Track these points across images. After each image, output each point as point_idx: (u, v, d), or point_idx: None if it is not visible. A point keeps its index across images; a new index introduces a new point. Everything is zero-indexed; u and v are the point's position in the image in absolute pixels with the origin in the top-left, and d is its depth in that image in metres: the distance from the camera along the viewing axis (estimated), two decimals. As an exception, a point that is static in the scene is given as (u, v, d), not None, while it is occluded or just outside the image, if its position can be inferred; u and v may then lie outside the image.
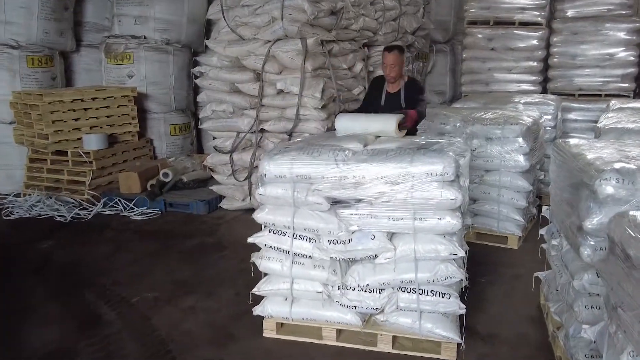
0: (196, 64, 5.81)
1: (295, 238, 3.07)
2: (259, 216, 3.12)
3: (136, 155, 6.66)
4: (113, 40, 6.87)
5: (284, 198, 3.03)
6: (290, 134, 5.22)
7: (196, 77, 5.83)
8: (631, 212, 1.98)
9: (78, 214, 5.60)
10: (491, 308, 3.57)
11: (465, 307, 2.93)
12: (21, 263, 4.41)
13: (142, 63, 6.84)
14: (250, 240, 3.18)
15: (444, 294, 2.91)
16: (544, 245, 3.47)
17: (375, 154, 2.94)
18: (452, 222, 2.81)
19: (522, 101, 5.88)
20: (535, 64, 7.52)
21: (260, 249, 3.21)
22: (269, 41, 5.17)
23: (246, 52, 5.26)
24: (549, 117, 5.74)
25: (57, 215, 5.55)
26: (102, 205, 5.80)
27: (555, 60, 7.40)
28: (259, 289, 3.21)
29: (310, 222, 3.01)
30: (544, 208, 3.48)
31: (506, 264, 4.25)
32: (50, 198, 5.88)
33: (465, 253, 3.64)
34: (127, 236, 5.10)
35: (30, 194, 6.03)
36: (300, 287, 3.11)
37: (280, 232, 3.10)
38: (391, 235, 2.96)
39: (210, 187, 5.88)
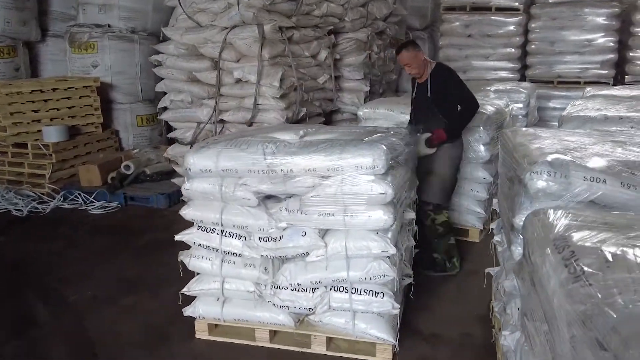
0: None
1: (225, 235, 2.92)
2: (185, 212, 2.97)
3: (100, 147, 6.50)
4: (77, 29, 6.69)
5: (211, 193, 2.87)
6: (250, 124, 5.05)
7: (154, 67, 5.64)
8: (545, 210, 1.83)
9: (36, 208, 5.45)
10: (439, 306, 3.42)
11: (399, 306, 2.79)
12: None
13: (106, 52, 6.66)
14: (177, 237, 3.03)
15: (378, 292, 2.76)
16: (493, 240, 3.31)
17: (306, 146, 2.78)
18: (383, 217, 2.65)
19: (492, 89, 5.71)
20: (513, 50, 7.35)
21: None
22: (226, 28, 4.99)
23: (203, 40, 5.08)
24: (520, 105, 5.57)
25: (14, 210, 5.39)
26: (62, 199, 5.65)
27: (533, 46, 7.23)
28: (189, 288, 3.07)
29: (239, 219, 2.86)
30: (494, 201, 3.32)
31: (464, 259, 4.10)
32: (10, 192, 5.72)
33: (414, 248, 3.55)
34: (82, 231, 4.95)
35: (-9, 187, 5.88)
36: (232, 286, 2.97)
37: (209, 230, 2.95)
38: (324, 232, 2.81)
39: (172, 180, 5.73)
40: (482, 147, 4.31)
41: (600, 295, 1.10)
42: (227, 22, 4.97)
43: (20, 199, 5.60)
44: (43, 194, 5.74)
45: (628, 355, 0.96)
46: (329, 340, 2.93)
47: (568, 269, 1.25)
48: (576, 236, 1.40)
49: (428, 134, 3.73)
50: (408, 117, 4.51)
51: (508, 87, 5.78)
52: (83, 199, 5.61)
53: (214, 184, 2.85)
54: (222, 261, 2.94)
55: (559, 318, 1.24)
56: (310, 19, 5.40)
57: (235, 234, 2.91)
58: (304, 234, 2.78)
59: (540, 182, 2.23)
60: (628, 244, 1.34)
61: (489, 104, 4.59)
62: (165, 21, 6.96)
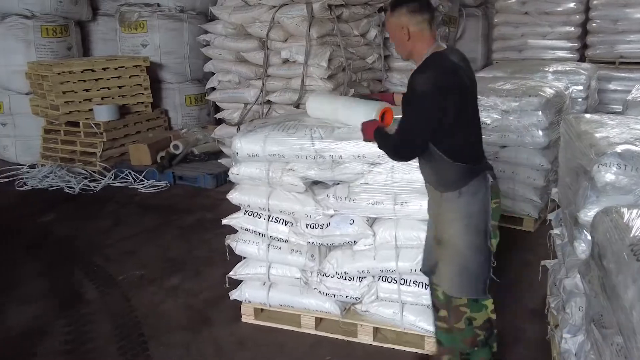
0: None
1: (271, 221, 2.87)
2: (232, 196, 2.93)
3: (150, 127, 6.56)
4: (127, 8, 6.72)
5: (258, 178, 2.82)
6: (297, 106, 4.97)
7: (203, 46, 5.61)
8: (617, 208, 1.68)
9: (87, 186, 5.56)
10: (492, 297, 3.27)
11: (450, 300, 2.66)
12: (19, 237, 4.39)
13: (155, 32, 6.68)
14: (224, 221, 3.00)
15: (427, 285, 2.66)
16: (552, 231, 3.14)
17: (356, 131, 2.67)
18: (435, 207, 2.53)
19: (551, 70, 5.43)
20: (572, 29, 6.97)
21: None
22: (274, 7, 4.88)
23: (251, 19, 5.00)
24: (580, 87, 5.28)
25: (67, 187, 5.52)
26: (112, 177, 5.74)
27: (594, 25, 6.81)
28: (235, 272, 3.04)
29: (286, 204, 2.80)
30: (553, 190, 3.14)
31: (518, 249, 3.93)
32: (62, 169, 5.86)
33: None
34: (130, 210, 5.02)
35: (44, 165, 6.04)
36: (278, 272, 2.93)
37: (255, 214, 2.91)
38: (373, 221, 2.72)
39: (219, 160, 5.73)
40: (540, 132, 4.09)
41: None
42: (276, 1, 4.87)
43: (72, 177, 5.72)
44: (94, 172, 5.84)
45: None
46: (376, 330, 2.85)
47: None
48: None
49: (385, 105, 2.52)
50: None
51: (567, 68, 5.47)
52: (133, 178, 5.69)
53: (261, 168, 2.80)
54: (268, 246, 2.89)
55: (638, 333, 1.11)
56: (360, -3, 5.23)
57: (282, 220, 2.86)
58: (352, 222, 2.70)
59: (609, 174, 2.06)
60: None
61: (548, 86, 4.35)
62: (213, 0, 6.95)
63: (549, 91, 4.22)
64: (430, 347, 2.73)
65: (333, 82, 4.90)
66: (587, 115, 3.00)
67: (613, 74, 6.75)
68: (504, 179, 4.31)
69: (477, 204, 2.19)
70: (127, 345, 2.90)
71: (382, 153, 2.42)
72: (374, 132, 2.29)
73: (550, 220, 3.18)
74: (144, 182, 5.63)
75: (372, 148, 2.52)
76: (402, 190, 2.57)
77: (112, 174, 5.77)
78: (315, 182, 2.83)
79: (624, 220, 1.47)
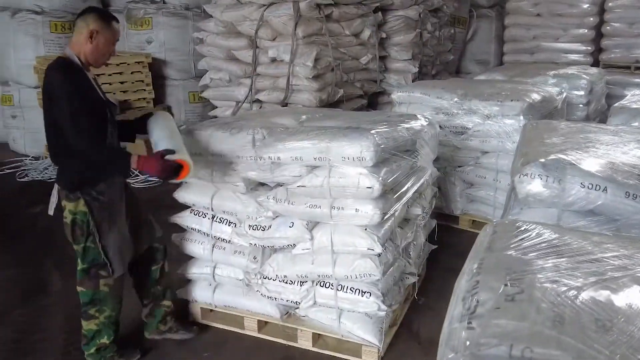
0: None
1: (216, 221, 2.86)
2: (179, 195, 2.93)
3: (151, 122, 6.63)
4: (133, 5, 6.83)
5: (202, 177, 2.81)
6: (284, 105, 4.95)
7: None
8: (516, 221, 1.59)
9: (84, 179, 5.65)
10: (447, 309, 3.18)
11: (386, 308, 2.60)
12: (5, 227, 4.50)
13: (160, 28, 6.75)
14: (171, 219, 3.00)
15: (364, 292, 2.60)
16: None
17: (297, 133, 2.63)
18: (370, 213, 2.47)
19: (552, 73, 5.25)
20: (586, 31, 6.73)
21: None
22: (264, 5, 4.88)
23: (241, 17, 5.01)
24: (581, 92, 5.09)
25: (62, 180, 5.63)
26: (110, 171, 5.83)
27: (609, 28, 6.56)
28: (183, 271, 3.04)
29: (229, 204, 2.78)
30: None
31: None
32: (60, 162, 5.99)
33: (427, 242, 3.33)
34: (119, 204, 5.09)
35: (47, 157, 6.19)
36: (223, 272, 2.92)
37: (200, 214, 2.90)
38: (314, 225, 2.67)
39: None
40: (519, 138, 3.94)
41: (469, 344, 0.90)
42: (265, -1, 4.87)
43: (70, 169, 5.84)
44: (93, 165, 5.95)
45: None
46: (317, 336, 2.80)
47: (464, 302, 1.05)
48: (493, 262, 1.18)
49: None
50: (445, 101, 4.22)
51: (569, 72, 5.29)
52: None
53: (205, 167, 2.78)
54: (213, 246, 2.88)
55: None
56: (352, -4, 5.18)
57: (225, 220, 2.85)
58: (291, 224, 2.66)
59: (529, 186, 1.97)
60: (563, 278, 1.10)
61: (535, 91, 4.20)
62: (212, -1, 6.99)
63: (535, 96, 4.07)
64: (367, 357, 2.67)
65: (320, 82, 4.86)
66: (547, 121, 2.88)
67: (628, 79, 6.48)
68: (484, 185, 4.20)
69: None
70: (72, 337, 2.92)
71: (318, 155, 2.45)
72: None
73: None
74: (138, 177, 5.70)
75: (309, 151, 2.50)
76: (338, 194, 2.51)
77: (109, 168, 5.85)
78: (261, 184, 2.80)
79: (504, 231, 1.38)
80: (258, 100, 5.15)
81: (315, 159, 2.51)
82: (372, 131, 2.50)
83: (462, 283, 1.14)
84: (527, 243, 1.27)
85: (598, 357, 0.85)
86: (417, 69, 5.88)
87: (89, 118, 2.38)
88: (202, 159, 2.76)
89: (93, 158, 2.43)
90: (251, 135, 2.65)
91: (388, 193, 2.58)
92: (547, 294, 1.00)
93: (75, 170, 2.52)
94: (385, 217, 2.53)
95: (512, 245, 1.26)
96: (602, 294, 1.01)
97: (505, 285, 1.04)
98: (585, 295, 1.00)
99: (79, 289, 2.59)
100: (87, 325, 2.62)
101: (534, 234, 1.33)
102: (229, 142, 2.68)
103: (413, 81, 5.75)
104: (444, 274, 3.53)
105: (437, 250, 3.55)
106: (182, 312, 3.09)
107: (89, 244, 2.51)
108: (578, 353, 0.85)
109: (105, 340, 2.63)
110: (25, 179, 5.76)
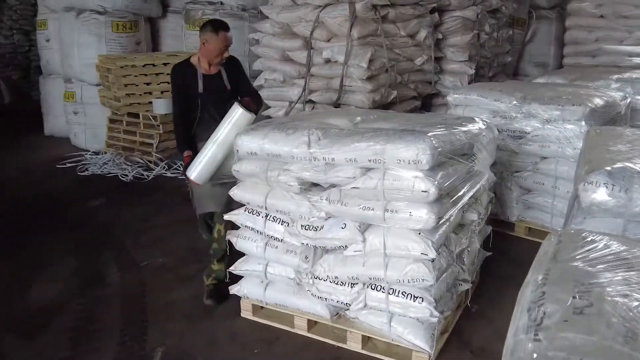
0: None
1: (269, 219, 2.88)
2: (234, 192, 2.97)
3: (206, 121, 6.77)
4: (192, 6, 6.99)
5: (257, 176, 2.84)
6: (337, 105, 4.96)
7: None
8: (582, 231, 1.53)
9: (141, 174, 5.85)
10: (499, 318, 3.10)
11: (439, 315, 2.56)
12: (66, 219, 4.70)
13: (218, 29, 6.86)
14: (226, 217, 3.05)
15: (416, 297, 2.57)
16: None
17: (352, 134, 2.62)
18: (424, 217, 2.44)
19: (614, 77, 5.04)
20: (653, 33, 6.42)
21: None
22: (319, 6, 4.89)
23: (297, 18, 5.04)
24: (647, 98, 4.84)
25: (121, 175, 5.84)
26: (165, 168, 6.00)
27: (678, 29, 6.24)
28: (235, 267, 3.09)
29: (282, 204, 2.80)
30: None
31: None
32: (120, 157, 6.20)
33: (481, 249, 3.26)
34: (174, 200, 5.21)
35: (106, 152, 6.43)
36: (275, 270, 2.94)
37: (255, 212, 2.93)
38: (366, 227, 2.66)
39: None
40: (581, 143, 3.80)
41: (536, 356, 0.87)
42: (321, 0, 4.88)
43: (128, 165, 6.05)
44: (150, 161, 6.14)
45: None
46: (367, 338, 2.79)
47: (530, 313, 1.01)
48: (560, 273, 1.14)
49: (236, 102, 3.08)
50: (503, 104, 4.12)
51: (634, 77, 5.04)
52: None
53: (260, 167, 2.81)
54: (265, 245, 2.91)
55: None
56: (409, -3, 5.13)
57: (279, 219, 2.87)
58: (344, 226, 2.66)
59: (594, 195, 1.90)
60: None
61: (598, 96, 4.04)
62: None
63: (597, 101, 3.92)
64: (416, 362, 2.64)
65: (373, 83, 4.84)
66: (612, 128, 2.77)
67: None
68: (543, 191, 4.07)
69: None
70: (128, 328, 3.04)
71: (373, 157, 2.44)
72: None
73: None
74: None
75: (364, 153, 2.49)
76: (393, 197, 2.49)
77: (165, 165, 6.03)
78: (314, 184, 2.81)
79: (557, 245, 1.34)
80: (311, 101, 5.17)
81: (369, 161, 2.49)
82: (429, 134, 2.46)
83: (526, 293, 1.10)
84: (595, 254, 1.22)
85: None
86: (473, 71, 5.77)
87: (177, 104, 3.36)
88: (257, 158, 2.80)
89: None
90: (306, 136, 2.65)
91: (443, 197, 2.54)
92: (618, 309, 0.96)
93: None
94: (440, 222, 2.49)
95: (578, 256, 1.21)
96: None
97: (574, 297, 1.00)
98: (660, 311, 0.95)
99: None
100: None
101: (601, 245, 1.28)
102: (285, 142, 2.69)
103: (469, 83, 5.64)
104: (497, 282, 3.47)
105: (491, 258, 3.47)
106: (235, 308, 3.15)
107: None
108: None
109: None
110: (86, 173, 6.00)
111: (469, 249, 3.03)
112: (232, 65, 3.51)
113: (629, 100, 4.38)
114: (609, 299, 1.00)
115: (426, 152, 2.38)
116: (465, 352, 2.81)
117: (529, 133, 4.01)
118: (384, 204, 2.52)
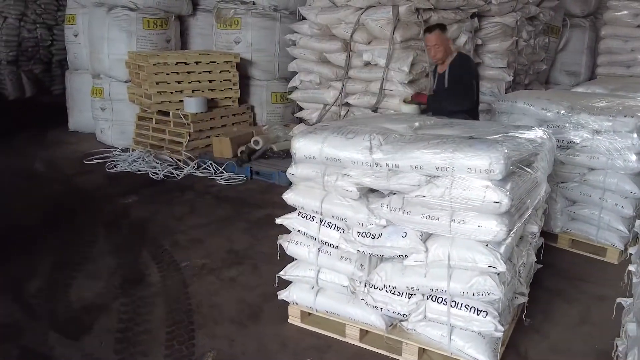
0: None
1: (323, 225, 2.82)
2: (287, 196, 2.91)
3: (235, 121, 6.74)
4: (223, 5, 6.94)
5: (313, 180, 2.79)
6: (374, 110, 4.89)
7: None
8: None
9: (171, 173, 5.81)
10: (555, 332, 3.03)
11: (503, 329, 2.48)
12: (100, 215, 4.66)
13: (249, 29, 6.84)
14: (278, 221, 2.99)
15: (480, 310, 2.49)
16: (631, 267, 2.84)
17: (416, 140, 2.56)
18: (495, 229, 2.37)
19: (658, 90, 4.94)
20: (691, 45, 6.33)
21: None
22: (361, 8, 4.84)
23: (337, 20, 4.99)
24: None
25: (152, 173, 5.80)
26: (195, 167, 5.96)
27: None
28: (285, 272, 3.03)
29: (339, 209, 2.74)
30: (637, 222, 2.83)
31: (595, 281, 3.61)
32: (150, 155, 6.16)
33: (536, 263, 3.18)
34: (206, 199, 5.18)
35: (135, 150, 6.39)
36: (327, 277, 2.87)
37: (308, 217, 2.87)
38: (427, 237, 2.59)
39: (295, 159, 5.76)
40: (633, 157, 3.72)
41: None
42: (362, 2, 4.83)
43: (158, 163, 6.01)
44: (179, 160, 6.09)
45: None
46: (422, 351, 2.72)
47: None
48: None
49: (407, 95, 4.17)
50: (550, 114, 4.04)
51: (679, 88, 4.96)
52: (214, 169, 5.88)
53: (317, 171, 2.75)
54: (318, 250, 2.85)
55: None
56: (451, 1, 5.05)
57: (334, 225, 2.80)
58: (404, 234, 2.58)
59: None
60: None
61: (647, 107, 3.95)
62: (304, 1, 7.01)
63: (648, 112, 3.83)
64: (477, 377, 2.56)
65: (414, 87, 4.77)
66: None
67: None
68: (589, 203, 3.99)
69: None
70: (175, 332, 2.98)
71: (441, 165, 2.36)
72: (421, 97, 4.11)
73: (631, 254, 2.88)
74: (222, 174, 5.79)
75: (431, 160, 2.42)
76: (460, 206, 2.42)
77: (195, 164, 5.99)
78: (372, 190, 2.74)
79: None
80: (347, 104, 5.11)
81: (437, 168, 2.42)
82: (501, 143, 2.39)
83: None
84: None
85: None
86: (511, 78, 5.69)
87: None
88: (315, 161, 2.74)
89: None
90: (368, 142, 2.59)
91: (511, 209, 2.47)
92: None
93: None
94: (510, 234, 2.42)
95: None
96: None
97: None
98: None
99: None
100: None
101: None
102: (345, 146, 2.63)
103: (506, 90, 5.57)
104: (547, 294, 3.41)
105: (539, 270, 3.40)
106: (281, 313, 3.09)
107: None
108: None
109: None
110: (114, 170, 5.96)
111: (525, 262, 2.96)
112: (454, 66, 4.05)
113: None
114: None
115: (500, 161, 2.31)
116: (523, 367, 2.73)
117: (577, 143, 3.92)
118: (450, 214, 2.45)
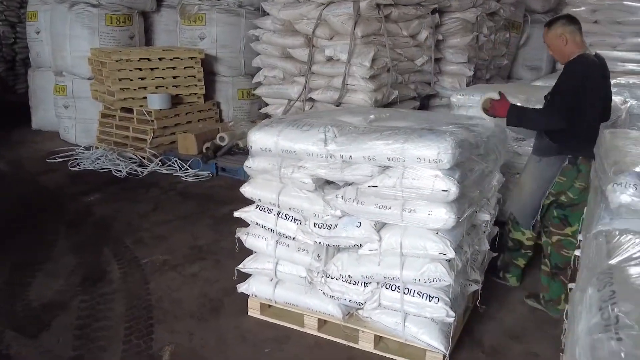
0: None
1: (281, 217, 2.85)
2: (245, 189, 2.93)
3: (201, 118, 6.72)
4: (188, 1, 6.91)
5: (270, 173, 2.81)
6: (338, 104, 4.94)
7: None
8: (612, 231, 1.53)
9: (135, 170, 5.76)
10: (510, 318, 3.12)
11: (454, 315, 2.55)
12: (62, 214, 4.61)
13: (213, 25, 6.82)
14: (236, 214, 3.02)
15: (432, 297, 2.55)
16: (577, 252, 2.94)
17: (369, 132, 2.60)
18: (444, 217, 2.43)
19: (612, 82, 5.08)
20: (646, 40, 6.53)
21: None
22: (322, 4, 4.87)
23: (299, 16, 5.02)
24: (642, 102, 4.92)
25: (115, 170, 5.75)
26: (160, 164, 5.92)
27: (670, 36, 6.35)
28: (244, 265, 3.05)
29: (295, 201, 2.77)
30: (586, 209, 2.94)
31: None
32: (114, 153, 6.10)
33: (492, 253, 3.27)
34: (171, 196, 5.16)
35: (98, 148, 6.32)
36: (285, 269, 2.90)
37: (266, 209, 2.90)
38: (381, 226, 2.64)
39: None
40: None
41: (624, 356, 0.86)
42: (324, -2, 4.86)
43: (122, 161, 5.96)
44: (143, 157, 6.05)
45: None
46: (378, 338, 2.77)
47: (602, 312, 1.00)
48: (626, 272, 1.13)
49: (493, 96, 3.11)
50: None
51: (631, 82, 5.12)
52: (179, 166, 5.85)
53: (274, 163, 2.78)
54: (276, 242, 2.88)
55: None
56: (411, -3, 5.13)
57: (291, 217, 2.84)
58: (359, 224, 2.63)
59: (623, 196, 1.89)
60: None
61: (600, 99, 4.07)
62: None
63: (600, 104, 3.95)
64: (431, 362, 2.63)
65: (375, 82, 4.83)
66: (628, 131, 2.79)
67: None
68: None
69: (548, 170, 3.05)
70: (134, 327, 2.97)
71: (392, 155, 2.41)
72: (498, 108, 3.03)
73: (581, 241, 2.98)
74: (188, 171, 5.78)
75: (383, 151, 2.46)
76: (411, 196, 2.47)
77: (159, 161, 5.96)
78: (327, 182, 2.78)
79: (608, 244, 1.33)
80: (311, 99, 5.15)
81: (389, 159, 2.47)
82: (449, 133, 2.46)
83: (590, 293, 1.09)
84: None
85: None
86: (472, 72, 5.79)
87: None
88: (271, 154, 2.76)
89: None
90: (323, 134, 2.63)
91: (461, 197, 2.53)
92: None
93: None
94: (459, 222, 2.48)
95: (635, 255, 1.20)
96: None
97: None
98: None
99: None
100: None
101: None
102: (300, 139, 2.66)
103: (467, 85, 5.66)
104: (502, 283, 3.48)
105: (495, 258, 3.48)
106: (241, 306, 3.11)
107: None
108: None
109: None
110: (77, 168, 5.89)
111: (479, 250, 3.04)
112: (564, 70, 3.03)
113: (628, 104, 4.43)
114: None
115: (447, 151, 2.37)
116: (477, 352, 2.81)
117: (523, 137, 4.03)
118: (402, 203, 2.50)
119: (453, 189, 2.38)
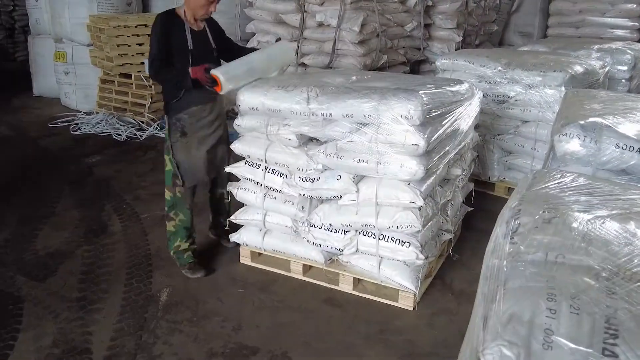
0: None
1: (268, 172, 3.08)
2: (235, 146, 3.15)
3: (198, 83, 6.87)
4: (183, -33, 6.99)
5: (258, 130, 3.03)
6: (329, 69, 5.11)
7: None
8: (554, 169, 1.75)
9: (134, 134, 5.98)
10: (480, 266, 3.36)
11: (424, 258, 2.80)
12: (65, 174, 4.84)
13: (209, -9, 6.90)
14: (227, 169, 3.24)
15: (404, 242, 2.81)
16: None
17: (348, 92, 2.81)
18: (414, 169, 2.66)
19: (596, 47, 5.27)
20: (634, 6, 6.68)
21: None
22: (313, -30, 5.00)
23: (291, -18, 5.14)
24: (624, 67, 5.11)
25: (115, 134, 5.97)
26: (158, 128, 6.13)
27: (658, 3, 6.47)
28: (236, 217, 3.29)
29: (281, 157, 3.00)
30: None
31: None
32: (113, 117, 6.31)
33: (463, 204, 3.50)
34: (168, 158, 5.37)
35: (98, 113, 6.52)
36: (272, 219, 3.15)
37: (255, 165, 3.12)
38: (359, 179, 2.87)
39: (256, 118, 5.98)
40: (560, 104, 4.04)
41: (511, 251, 1.10)
42: (315, -36, 4.99)
43: (121, 125, 6.17)
44: (142, 122, 6.26)
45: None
46: (357, 280, 3.04)
47: (507, 224, 1.24)
48: (535, 194, 1.36)
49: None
50: (488, 70, 4.32)
51: (613, 47, 5.29)
52: (176, 130, 6.04)
53: (261, 122, 2.99)
54: (264, 195, 3.11)
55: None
56: (401, -36, 5.26)
57: (277, 172, 3.06)
58: (339, 177, 2.87)
59: (567, 145, 2.13)
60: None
61: (578, 63, 4.26)
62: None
63: (577, 68, 4.14)
64: (404, 302, 2.89)
65: (365, 47, 5.00)
66: (589, 90, 2.99)
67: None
68: (522, 154, 4.32)
69: None
70: (134, 272, 3.24)
71: (368, 113, 2.63)
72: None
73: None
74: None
75: (360, 109, 2.67)
76: (385, 150, 2.69)
77: (157, 125, 6.15)
78: (311, 139, 3.00)
79: (538, 180, 1.55)
80: (303, 64, 5.32)
81: (365, 116, 2.69)
82: (420, 92, 2.66)
83: (505, 212, 1.33)
84: (563, 185, 1.45)
85: (618, 262, 1.03)
86: (461, 38, 5.94)
87: (162, 52, 2.94)
88: (259, 113, 2.97)
89: (159, 80, 3.23)
90: (305, 93, 2.84)
91: (432, 152, 2.76)
92: (579, 219, 1.18)
93: (164, 99, 3.24)
94: (428, 174, 2.71)
95: (550, 185, 1.43)
96: (626, 222, 1.18)
97: (543, 211, 1.22)
98: (611, 221, 1.18)
99: (166, 193, 3.30)
100: (168, 227, 3.26)
101: (569, 179, 1.50)
102: (285, 98, 2.87)
103: (456, 50, 5.82)
104: (477, 235, 3.73)
105: (472, 214, 3.72)
106: (234, 254, 3.37)
107: (170, 157, 3.21)
108: (602, 259, 1.04)
109: (179, 242, 3.22)
110: (79, 132, 6.10)
111: (452, 202, 3.28)
112: (214, 24, 3.28)
113: (607, 68, 4.61)
114: (572, 213, 1.22)
115: (417, 108, 2.58)
116: (447, 293, 3.07)
117: (511, 97, 4.23)
118: (377, 157, 2.73)
119: (422, 143, 2.60)
